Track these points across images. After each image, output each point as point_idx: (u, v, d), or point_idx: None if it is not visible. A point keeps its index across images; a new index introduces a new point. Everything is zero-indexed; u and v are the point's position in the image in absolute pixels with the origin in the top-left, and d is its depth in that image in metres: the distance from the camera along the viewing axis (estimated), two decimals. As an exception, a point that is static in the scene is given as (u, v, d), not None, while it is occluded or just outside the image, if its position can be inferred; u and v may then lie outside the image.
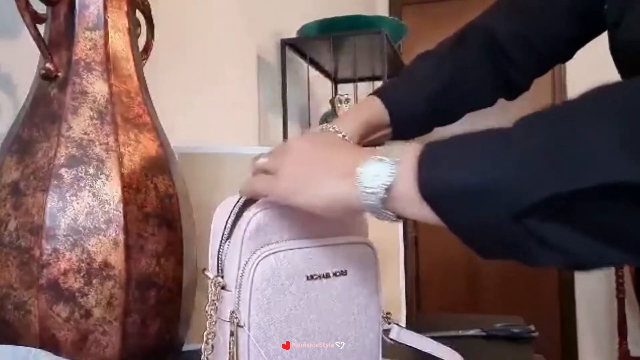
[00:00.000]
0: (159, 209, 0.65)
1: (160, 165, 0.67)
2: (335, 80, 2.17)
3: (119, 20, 0.68)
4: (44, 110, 0.64)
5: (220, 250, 0.52)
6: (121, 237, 0.60)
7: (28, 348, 0.51)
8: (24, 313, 0.59)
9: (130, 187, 0.63)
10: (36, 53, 0.65)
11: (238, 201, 0.54)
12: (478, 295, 3.02)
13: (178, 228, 0.67)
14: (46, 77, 0.64)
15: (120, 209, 0.61)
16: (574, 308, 2.93)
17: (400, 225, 0.99)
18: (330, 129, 0.68)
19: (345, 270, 0.55)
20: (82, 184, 0.60)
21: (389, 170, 0.41)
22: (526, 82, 0.80)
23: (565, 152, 0.32)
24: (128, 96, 0.67)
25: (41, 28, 0.66)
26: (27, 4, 0.63)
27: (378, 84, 2.02)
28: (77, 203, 0.60)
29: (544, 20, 0.75)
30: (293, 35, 1.81)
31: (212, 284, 0.52)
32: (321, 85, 2.12)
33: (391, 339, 0.65)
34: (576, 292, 2.93)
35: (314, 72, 1.98)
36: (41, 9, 0.66)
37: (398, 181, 0.40)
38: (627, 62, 0.62)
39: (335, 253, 0.55)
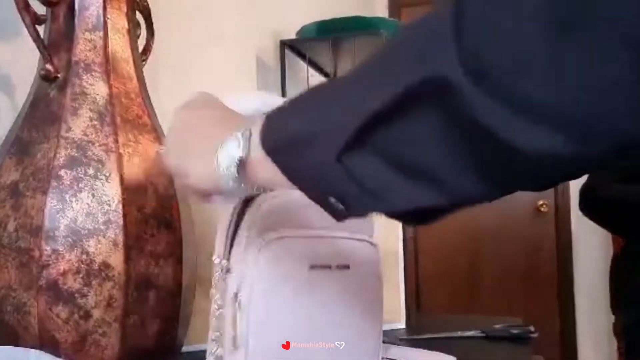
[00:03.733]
0: (158, 210, 0.65)
1: (160, 166, 0.67)
2: (335, 81, 2.17)
3: (118, 22, 0.68)
4: (43, 111, 0.64)
5: (228, 235, 0.53)
6: (120, 238, 0.60)
7: (27, 349, 0.51)
8: (23, 314, 0.59)
9: (130, 188, 0.63)
10: (36, 54, 0.65)
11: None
12: (477, 296, 3.01)
13: (177, 229, 0.67)
14: (46, 78, 0.64)
15: (120, 210, 0.61)
16: (574, 308, 2.93)
17: (399, 226, 0.99)
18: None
19: (348, 265, 0.55)
20: (81, 185, 0.60)
21: (240, 144, 0.41)
22: None
23: (371, 78, 0.33)
24: (128, 97, 0.67)
25: (41, 29, 0.66)
26: (27, 5, 0.63)
27: (377, 85, 2.02)
28: (77, 204, 0.60)
29: None
30: (292, 36, 1.82)
31: (219, 268, 0.52)
32: (320, 86, 2.12)
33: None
34: (576, 292, 2.93)
35: (313, 73, 1.97)
36: (41, 10, 0.66)
37: (250, 150, 0.41)
38: None
39: (338, 246, 0.55)
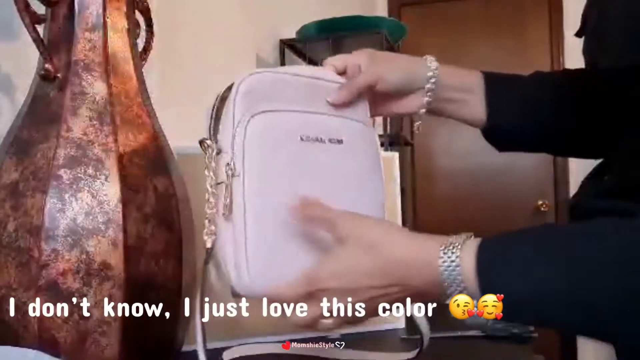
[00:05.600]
0: (158, 210, 0.65)
1: (160, 165, 0.67)
2: (335, 81, 2.17)
3: (118, 21, 0.68)
4: (43, 111, 0.64)
5: (212, 116, 0.54)
6: (120, 237, 0.60)
7: (26, 349, 0.51)
8: (22, 314, 0.59)
9: (130, 188, 0.63)
10: (36, 54, 0.65)
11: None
12: (478, 296, 3.01)
13: (177, 229, 0.67)
14: (45, 78, 0.64)
15: (120, 210, 0.61)
16: (574, 308, 2.93)
17: (399, 223, 0.99)
18: None
19: (341, 140, 0.55)
20: (81, 185, 0.60)
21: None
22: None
23: None
24: (127, 97, 0.67)
25: (40, 29, 0.66)
26: (27, 5, 0.63)
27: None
28: (76, 204, 0.60)
29: None
30: (292, 35, 1.82)
31: (209, 150, 0.53)
32: (321, 86, 2.12)
33: None
34: (576, 292, 2.93)
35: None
36: (41, 10, 0.66)
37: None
38: None
39: (331, 122, 0.55)
